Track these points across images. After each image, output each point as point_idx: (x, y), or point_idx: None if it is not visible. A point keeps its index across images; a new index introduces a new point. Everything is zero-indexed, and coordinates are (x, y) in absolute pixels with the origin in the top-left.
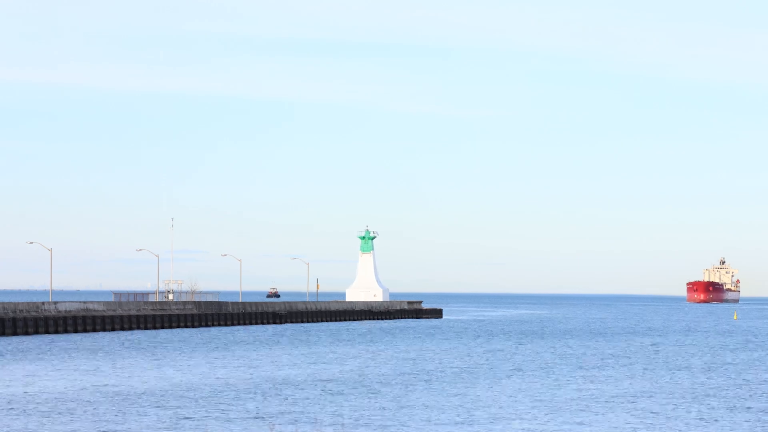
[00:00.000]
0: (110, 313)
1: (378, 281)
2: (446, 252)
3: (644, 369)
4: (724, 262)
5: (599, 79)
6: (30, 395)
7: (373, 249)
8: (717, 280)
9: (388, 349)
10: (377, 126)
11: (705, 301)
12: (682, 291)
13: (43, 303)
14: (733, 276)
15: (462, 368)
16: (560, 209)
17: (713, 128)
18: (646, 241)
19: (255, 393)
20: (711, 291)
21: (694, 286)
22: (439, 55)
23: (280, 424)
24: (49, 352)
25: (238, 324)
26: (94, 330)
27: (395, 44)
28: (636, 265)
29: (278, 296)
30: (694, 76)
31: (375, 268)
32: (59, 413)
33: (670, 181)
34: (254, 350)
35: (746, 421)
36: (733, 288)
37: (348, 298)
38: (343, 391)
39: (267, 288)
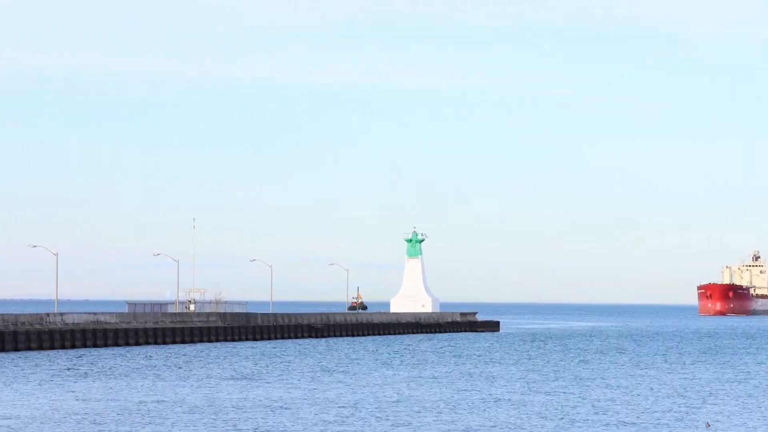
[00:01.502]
0: (124, 325)
1: (426, 289)
2: (443, 256)
3: None
4: (758, 258)
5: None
6: None
7: (421, 253)
8: (746, 283)
9: None
10: (412, 118)
11: (722, 313)
12: (692, 298)
13: (47, 314)
14: None
15: None
16: (548, 215)
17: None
18: (643, 244)
19: None
20: (731, 298)
21: (707, 291)
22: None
23: None
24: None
25: (269, 338)
26: (106, 345)
27: (406, 28)
28: (631, 269)
29: (365, 308)
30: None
31: (423, 274)
32: None
33: (677, 179)
34: None
35: None
36: None
37: (393, 309)
38: None
39: (306, 297)
